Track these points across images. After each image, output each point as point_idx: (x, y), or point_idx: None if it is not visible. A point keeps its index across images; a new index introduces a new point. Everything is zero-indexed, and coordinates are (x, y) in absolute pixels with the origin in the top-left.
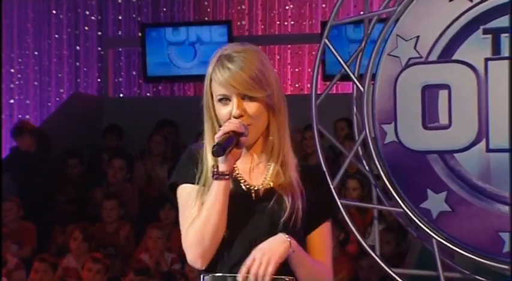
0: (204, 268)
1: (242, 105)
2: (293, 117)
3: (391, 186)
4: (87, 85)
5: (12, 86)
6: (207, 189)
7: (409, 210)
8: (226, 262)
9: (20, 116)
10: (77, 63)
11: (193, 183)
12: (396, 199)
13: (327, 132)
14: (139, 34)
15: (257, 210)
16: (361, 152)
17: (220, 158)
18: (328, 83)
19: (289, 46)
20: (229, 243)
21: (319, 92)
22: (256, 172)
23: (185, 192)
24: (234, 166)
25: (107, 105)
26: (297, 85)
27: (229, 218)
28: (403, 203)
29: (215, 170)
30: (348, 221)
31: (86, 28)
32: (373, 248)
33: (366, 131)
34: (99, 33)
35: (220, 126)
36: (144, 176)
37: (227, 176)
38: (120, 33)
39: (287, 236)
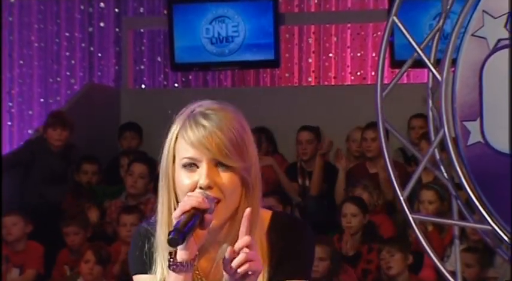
0: None
1: (213, 175)
2: (353, 113)
3: (475, 198)
4: (103, 74)
5: (11, 75)
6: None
7: (499, 227)
8: None
9: (21, 111)
10: (91, 48)
11: (147, 272)
12: (482, 214)
13: (395, 131)
14: (165, 12)
15: None
16: (438, 156)
17: (181, 246)
18: (397, 70)
19: (348, 25)
20: None
21: (386, 82)
22: (217, 269)
23: None
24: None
25: (125, 98)
26: (358, 73)
27: None
28: (491, 219)
29: (171, 259)
30: (422, 241)
31: (102, 5)
32: (453, 274)
33: (444, 130)
34: (117, 10)
35: (179, 202)
36: None
37: (187, 267)
38: (142, 10)
39: None
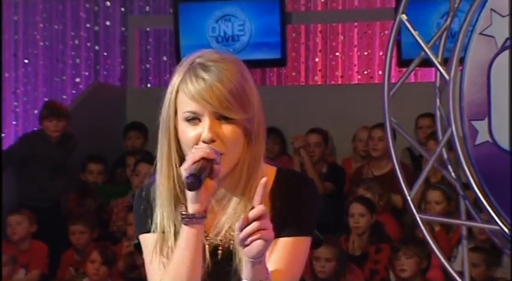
0: None
1: (216, 128)
2: (360, 112)
3: (483, 197)
4: (108, 73)
5: (16, 74)
6: (170, 235)
7: (507, 227)
8: None
9: (26, 110)
10: (96, 47)
11: (151, 231)
12: (490, 214)
13: (402, 130)
14: (171, 10)
15: (229, 273)
16: (446, 156)
17: (190, 197)
18: (404, 69)
19: (355, 24)
20: None
21: (393, 81)
22: (222, 217)
23: (146, 243)
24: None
25: (131, 98)
26: (365, 72)
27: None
28: (499, 219)
29: (184, 212)
30: (430, 241)
31: (108, 3)
32: (460, 274)
33: (452, 129)
34: (123, 9)
35: (180, 154)
36: None
37: (200, 219)
38: (147, 9)
39: None
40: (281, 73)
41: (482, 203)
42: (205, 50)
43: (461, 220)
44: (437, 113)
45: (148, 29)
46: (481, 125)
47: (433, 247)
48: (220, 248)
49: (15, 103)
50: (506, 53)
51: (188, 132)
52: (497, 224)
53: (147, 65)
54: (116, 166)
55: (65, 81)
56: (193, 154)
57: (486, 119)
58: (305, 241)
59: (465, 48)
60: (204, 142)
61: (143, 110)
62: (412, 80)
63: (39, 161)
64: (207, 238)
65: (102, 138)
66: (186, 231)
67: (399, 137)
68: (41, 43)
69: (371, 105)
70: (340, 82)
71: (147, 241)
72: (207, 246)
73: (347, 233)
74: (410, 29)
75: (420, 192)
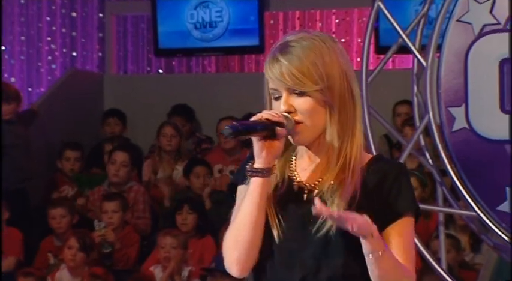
0: (242, 276)
1: (290, 101)
2: None
3: (460, 184)
4: (85, 60)
5: None
6: None
7: (484, 213)
8: (269, 276)
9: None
10: (73, 33)
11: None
12: (467, 200)
13: (380, 117)
14: None
15: (308, 214)
16: (423, 142)
17: (255, 154)
18: (382, 56)
19: (333, 11)
20: (273, 251)
21: (371, 68)
22: (315, 172)
23: (238, 193)
24: (277, 163)
25: (108, 84)
26: None
27: (276, 222)
28: (476, 205)
29: (248, 166)
30: None
31: None
32: (438, 261)
33: (429, 116)
34: None
35: None
36: (154, 174)
37: (262, 173)
38: None
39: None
40: (259, 60)
41: (460, 189)
42: (300, 30)
43: (438, 206)
44: (415, 99)
45: (125, 15)
46: (458, 112)
47: None
48: (306, 191)
49: None
50: (483, 39)
51: (274, 107)
52: (474, 211)
53: (125, 52)
54: (92, 153)
55: (40, 67)
56: (259, 114)
57: (463, 106)
58: (414, 219)
59: (442, 35)
60: (283, 114)
61: (120, 97)
62: (390, 67)
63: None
64: (298, 182)
65: (79, 125)
66: (251, 183)
67: (376, 124)
68: (18, 29)
69: None
70: None
71: (239, 192)
72: (295, 187)
73: None
74: (388, 16)
75: None
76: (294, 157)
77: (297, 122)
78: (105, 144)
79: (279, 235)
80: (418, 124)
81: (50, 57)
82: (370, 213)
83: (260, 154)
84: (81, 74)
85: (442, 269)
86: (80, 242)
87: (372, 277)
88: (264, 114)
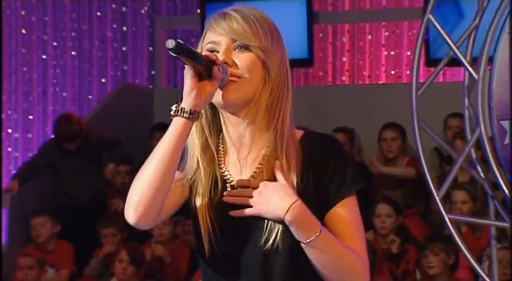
0: (139, 225)
1: (231, 53)
2: (388, 112)
3: None
4: (136, 74)
5: (45, 75)
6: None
7: None
8: None
9: (54, 110)
10: (124, 48)
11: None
12: None
13: (430, 130)
14: (199, 11)
15: (249, 220)
16: (474, 156)
17: (184, 91)
18: (432, 69)
19: (383, 24)
20: (211, 260)
21: (421, 81)
22: (246, 161)
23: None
24: (201, 162)
25: (158, 98)
26: (393, 72)
27: (211, 230)
28: None
29: (174, 105)
30: (459, 241)
31: (135, 4)
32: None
33: (480, 129)
34: (150, 10)
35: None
36: None
37: (187, 114)
38: (175, 10)
39: (297, 200)
40: (308, 73)
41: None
42: None
43: (490, 220)
44: (466, 112)
45: (176, 30)
46: (510, 125)
47: (462, 247)
48: (229, 185)
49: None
50: None
51: None
52: None
53: (175, 66)
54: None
55: (91, 81)
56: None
57: None
58: (355, 197)
59: (494, 48)
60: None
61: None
62: (441, 80)
63: (61, 170)
64: (223, 172)
65: (129, 140)
66: (172, 124)
67: (427, 137)
68: (70, 44)
69: (399, 105)
70: (367, 82)
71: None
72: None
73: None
74: (439, 28)
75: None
76: (221, 152)
77: (232, 76)
78: None
79: (218, 246)
80: (469, 137)
81: (100, 73)
82: (309, 198)
83: (190, 93)
84: (131, 88)
85: None
86: (131, 256)
87: (320, 272)
88: (204, 52)
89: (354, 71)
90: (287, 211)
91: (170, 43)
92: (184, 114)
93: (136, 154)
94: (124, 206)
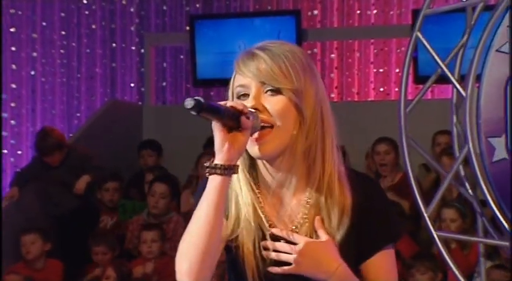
0: None
1: (260, 97)
2: (376, 129)
3: (501, 215)
4: (125, 91)
5: (33, 92)
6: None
7: None
8: None
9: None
10: (113, 64)
11: None
12: (508, 231)
13: (419, 147)
14: (188, 28)
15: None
16: (463, 173)
17: (216, 147)
18: (421, 86)
19: (372, 41)
20: None
21: (409, 98)
22: (287, 208)
23: None
24: (246, 211)
25: (147, 115)
26: (381, 89)
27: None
28: None
29: (207, 162)
30: (447, 259)
31: (124, 21)
32: None
33: (468, 146)
34: (139, 27)
35: None
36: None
37: (223, 170)
38: (164, 27)
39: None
40: None
41: (500, 220)
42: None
43: (478, 238)
44: (454, 129)
45: (164, 46)
46: (498, 142)
47: (451, 264)
48: (269, 234)
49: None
50: None
51: None
52: None
53: (164, 83)
54: (131, 184)
55: (80, 98)
56: (222, 102)
57: (503, 136)
58: (394, 248)
59: (482, 65)
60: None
61: (159, 127)
62: (429, 97)
63: (43, 182)
64: (262, 219)
65: (118, 156)
66: (208, 182)
67: (415, 154)
68: (58, 61)
69: (388, 122)
70: (356, 99)
71: None
72: (268, 237)
73: None
74: (427, 45)
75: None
76: (260, 199)
77: (264, 122)
78: (147, 173)
79: None
80: (457, 154)
81: (89, 89)
82: (351, 247)
83: (222, 147)
84: (120, 105)
85: None
86: (118, 273)
87: None
88: (229, 103)
89: (343, 88)
90: (331, 275)
91: (188, 103)
92: (219, 171)
93: (125, 171)
94: (112, 222)
